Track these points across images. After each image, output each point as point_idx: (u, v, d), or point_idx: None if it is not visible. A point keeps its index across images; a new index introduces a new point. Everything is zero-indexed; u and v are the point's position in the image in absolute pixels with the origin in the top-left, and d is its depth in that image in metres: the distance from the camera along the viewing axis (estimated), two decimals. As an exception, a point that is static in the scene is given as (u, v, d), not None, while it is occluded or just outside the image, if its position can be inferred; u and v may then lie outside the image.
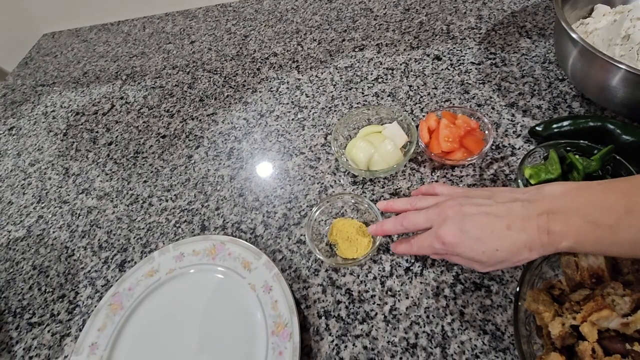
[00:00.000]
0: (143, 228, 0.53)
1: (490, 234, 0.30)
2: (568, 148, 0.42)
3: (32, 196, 0.62)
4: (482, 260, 0.31)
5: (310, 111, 0.61)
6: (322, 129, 0.58)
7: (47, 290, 0.50)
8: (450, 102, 0.56)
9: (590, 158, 0.41)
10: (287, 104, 0.64)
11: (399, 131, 0.49)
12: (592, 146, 0.41)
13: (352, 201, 0.46)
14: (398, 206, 0.40)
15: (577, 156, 0.40)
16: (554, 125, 0.46)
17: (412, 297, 0.40)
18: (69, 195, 0.60)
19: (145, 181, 0.59)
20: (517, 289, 0.33)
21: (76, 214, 0.58)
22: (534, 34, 0.62)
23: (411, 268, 0.42)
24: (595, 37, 0.50)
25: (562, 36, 0.48)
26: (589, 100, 0.51)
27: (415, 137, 0.49)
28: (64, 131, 0.72)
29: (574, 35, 0.44)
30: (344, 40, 0.72)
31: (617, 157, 0.39)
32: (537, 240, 0.28)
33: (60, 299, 0.49)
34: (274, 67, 0.71)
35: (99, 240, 0.54)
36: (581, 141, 0.42)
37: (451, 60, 0.62)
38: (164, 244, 0.51)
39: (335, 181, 0.51)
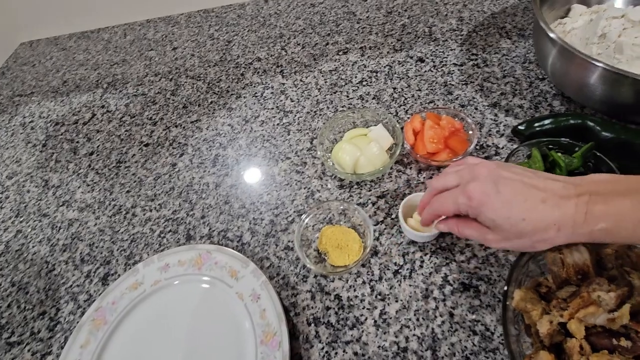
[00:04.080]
0: (126, 239, 0.52)
1: (523, 201, 0.28)
2: (550, 146, 0.42)
3: (10, 210, 0.60)
4: (502, 227, 0.29)
5: (295, 115, 0.61)
6: (307, 133, 0.58)
7: (26, 308, 0.48)
8: (434, 104, 0.57)
9: (572, 155, 0.41)
10: (272, 108, 0.63)
11: (384, 133, 0.49)
12: (573, 143, 0.42)
13: (341, 207, 0.46)
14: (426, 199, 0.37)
15: (559, 154, 0.41)
16: (536, 124, 0.46)
17: (401, 300, 0.40)
18: (48, 208, 0.59)
19: (128, 191, 0.57)
20: (505, 288, 0.33)
21: (56, 227, 0.56)
22: (514, 35, 0.63)
23: (400, 271, 0.42)
24: (573, 36, 0.51)
25: (541, 36, 0.49)
26: (569, 99, 0.52)
27: (400, 139, 0.49)
28: (43, 142, 0.70)
29: (552, 35, 0.44)
30: (327, 44, 0.72)
31: (598, 154, 0.40)
32: (570, 220, 0.27)
33: (41, 316, 0.47)
34: (258, 72, 0.70)
35: (80, 253, 0.52)
36: (562, 139, 0.43)
37: (434, 62, 0.63)
38: (148, 255, 0.50)
39: (322, 185, 0.51)
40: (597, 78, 0.42)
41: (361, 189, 0.49)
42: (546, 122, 0.46)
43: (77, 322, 0.43)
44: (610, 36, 0.45)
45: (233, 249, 0.47)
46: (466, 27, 0.67)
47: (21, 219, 0.58)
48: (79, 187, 0.60)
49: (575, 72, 0.45)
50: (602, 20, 0.47)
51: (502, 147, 0.49)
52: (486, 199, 0.29)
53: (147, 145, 0.63)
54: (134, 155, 0.62)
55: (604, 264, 0.32)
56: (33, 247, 0.54)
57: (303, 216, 0.45)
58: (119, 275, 0.48)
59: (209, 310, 0.42)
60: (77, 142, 0.68)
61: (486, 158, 0.49)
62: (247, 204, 0.52)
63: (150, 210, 0.54)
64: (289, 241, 0.47)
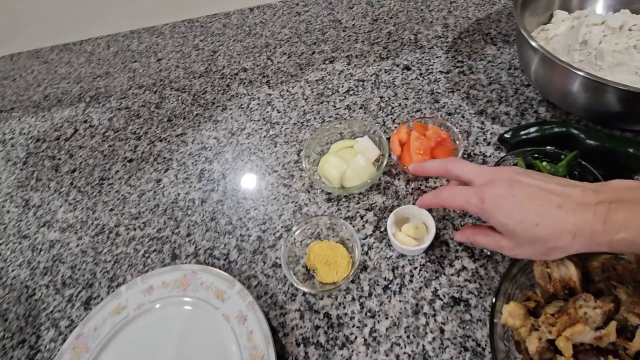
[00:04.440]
0: (110, 260, 0.50)
1: (537, 206, 0.27)
2: (535, 155, 0.42)
3: (-11, 232, 0.58)
4: (515, 232, 0.28)
5: (282, 127, 0.60)
6: (294, 145, 0.57)
7: (5, 336, 0.46)
8: (421, 112, 0.56)
9: (557, 164, 0.41)
10: (259, 120, 0.62)
11: (371, 145, 0.49)
12: (558, 152, 0.41)
13: (328, 222, 0.45)
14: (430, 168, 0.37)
15: (544, 163, 0.41)
16: (522, 132, 0.46)
17: (391, 317, 0.39)
18: (29, 229, 0.57)
19: (111, 209, 0.56)
20: (493, 299, 0.33)
21: (37, 249, 0.54)
22: (499, 41, 0.64)
23: (389, 286, 0.41)
24: (556, 43, 0.52)
25: (523, 44, 0.48)
26: (554, 105, 0.52)
27: (387, 150, 0.48)
28: (24, 160, 0.68)
29: (533, 44, 0.44)
30: (313, 53, 0.71)
31: (583, 162, 0.40)
32: (588, 227, 0.26)
33: (20, 345, 0.45)
34: (244, 83, 0.69)
35: (62, 276, 0.50)
36: (548, 147, 0.43)
37: (420, 70, 0.62)
38: (132, 276, 0.48)
39: (309, 199, 0.50)
40: (579, 86, 0.42)
41: (349, 202, 0.49)
42: (531, 130, 0.46)
43: (58, 350, 0.42)
44: (591, 43, 0.45)
45: (220, 267, 0.46)
46: (451, 33, 0.67)
47: (0, 242, 0.56)
48: (60, 207, 0.59)
49: (558, 80, 0.45)
50: (582, 27, 0.47)
51: (490, 156, 0.49)
52: (499, 202, 0.29)
53: (130, 160, 0.62)
54: (117, 171, 0.61)
55: (590, 277, 0.31)
56: (12, 270, 0.52)
57: (294, 227, 0.44)
58: (102, 299, 0.47)
59: (195, 334, 0.41)
60: (59, 159, 0.66)
61: (473, 167, 0.48)
62: (233, 220, 0.51)
63: (134, 229, 0.53)
64: (276, 258, 0.46)
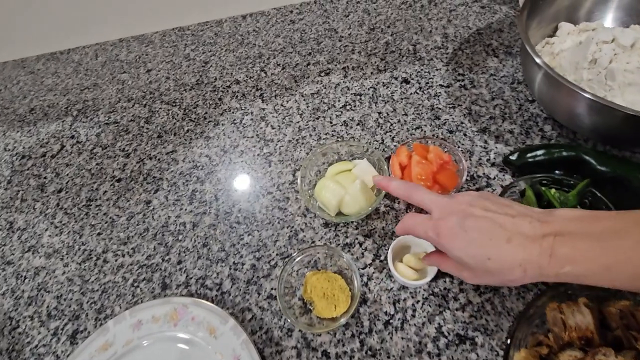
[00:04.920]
0: (97, 290, 0.48)
1: (488, 241, 0.28)
2: (544, 181, 0.40)
3: (-29, 258, 0.55)
4: (470, 265, 0.29)
5: (276, 145, 0.58)
6: (289, 164, 0.55)
7: (-14, 373, 0.44)
8: (422, 130, 0.54)
9: (567, 189, 0.39)
10: (252, 137, 0.60)
11: (370, 169, 0.47)
12: (566, 178, 0.39)
13: (325, 252, 0.43)
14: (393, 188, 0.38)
15: (553, 191, 0.39)
16: (528, 155, 0.44)
17: (393, 356, 0.37)
18: (13, 254, 0.54)
19: (99, 234, 0.54)
20: (508, 341, 0.31)
21: (22, 276, 0.52)
22: (501, 53, 0.61)
23: (391, 321, 0.39)
24: (562, 59, 0.49)
25: (527, 59, 0.46)
26: (560, 123, 0.50)
27: (386, 174, 0.46)
28: (8, 178, 0.65)
29: (538, 61, 0.42)
30: (308, 64, 0.69)
31: (594, 191, 0.37)
32: (535, 263, 0.26)
33: (3, 383, 0.43)
34: (237, 96, 0.67)
35: (47, 307, 0.48)
36: (556, 172, 0.41)
37: (420, 84, 0.60)
38: (120, 307, 0.46)
39: (305, 224, 0.48)
40: (586, 108, 0.40)
41: (347, 228, 0.47)
42: (539, 152, 0.44)
43: (42, 392, 0.39)
44: (601, 62, 0.43)
45: (212, 299, 0.44)
46: (451, 44, 0.65)
47: (-18, 269, 0.54)
48: (46, 230, 0.56)
49: (563, 100, 0.43)
50: (592, 45, 0.45)
51: (494, 178, 0.47)
52: (452, 237, 0.30)
53: (119, 180, 0.59)
54: (105, 192, 0.58)
55: (607, 323, 0.29)
56: (-5, 300, 0.50)
57: (293, 254, 0.42)
58: (89, 333, 0.44)
59: (186, 375, 0.39)
60: (45, 177, 0.63)
61: (477, 190, 0.46)
62: (226, 246, 0.48)
63: (123, 256, 0.50)
64: (272, 289, 0.44)
